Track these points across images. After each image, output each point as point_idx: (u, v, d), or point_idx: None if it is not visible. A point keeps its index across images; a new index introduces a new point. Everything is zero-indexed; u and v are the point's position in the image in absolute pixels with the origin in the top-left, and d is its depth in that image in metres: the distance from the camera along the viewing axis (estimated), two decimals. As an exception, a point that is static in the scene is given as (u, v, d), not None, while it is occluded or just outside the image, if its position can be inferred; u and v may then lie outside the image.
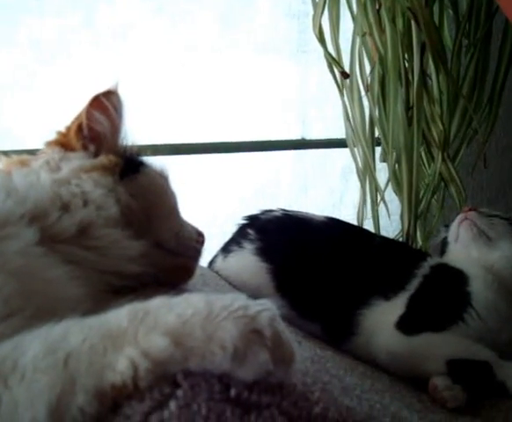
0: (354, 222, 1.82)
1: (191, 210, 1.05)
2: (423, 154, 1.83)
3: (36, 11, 1.78)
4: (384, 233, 1.85)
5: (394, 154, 1.73)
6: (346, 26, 1.86)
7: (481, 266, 1.28)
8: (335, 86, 1.87)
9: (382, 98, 1.78)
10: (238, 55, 2.10)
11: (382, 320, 1.22)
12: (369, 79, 1.81)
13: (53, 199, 0.81)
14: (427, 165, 1.85)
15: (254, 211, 1.45)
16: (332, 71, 1.85)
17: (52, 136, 0.96)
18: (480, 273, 1.26)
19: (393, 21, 1.66)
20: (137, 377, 0.50)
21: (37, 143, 0.96)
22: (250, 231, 1.38)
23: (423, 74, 1.64)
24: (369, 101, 1.81)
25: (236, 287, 1.29)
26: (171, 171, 1.03)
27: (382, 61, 1.70)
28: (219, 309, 0.53)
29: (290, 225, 1.39)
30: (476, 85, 1.80)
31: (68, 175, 0.86)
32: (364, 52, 1.83)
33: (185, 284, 1.01)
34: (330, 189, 2.36)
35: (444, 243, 1.41)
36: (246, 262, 1.34)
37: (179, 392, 0.51)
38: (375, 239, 1.47)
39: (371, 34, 1.70)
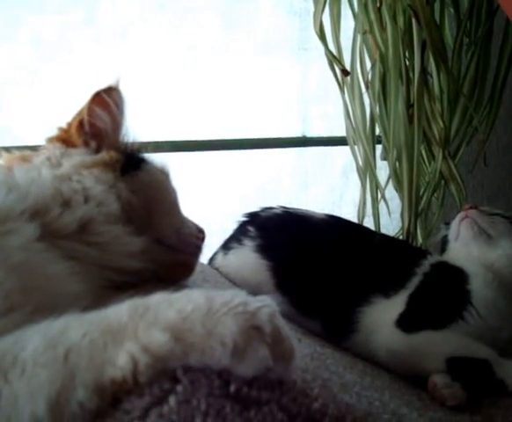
0: (355, 220, 1.83)
1: (192, 207, 1.06)
2: (424, 152, 1.83)
3: (37, 9, 1.79)
4: (384, 231, 1.85)
5: (395, 152, 1.73)
6: (347, 24, 1.86)
7: (481, 264, 1.28)
8: (336, 84, 1.88)
9: (382, 96, 1.78)
10: (240, 53, 2.11)
11: (382, 318, 1.22)
12: (369, 77, 1.81)
13: (54, 195, 0.81)
14: (427, 163, 1.85)
15: (255, 208, 1.45)
16: (332, 69, 1.85)
17: (53, 132, 0.96)
18: (480, 271, 1.26)
19: (394, 19, 1.66)
20: (137, 372, 0.50)
21: (38, 140, 0.97)
22: (250, 228, 1.38)
23: (424, 72, 1.64)
24: (369, 99, 1.81)
25: (236, 284, 1.29)
26: (173, 168, 1.03)
27: (383, 58, 1.70)
28: (219, 304, 0.53)
29: (290, 222, 1.39)
30: (477, 84, 1.80)
31: (69, 171, 0.86)
32: (365, 50, 1.83)
33: (185, 280, 1.02)
34: (330, 187, 2.36)
35: (445, 241, 1.41)
36: (246, 259, 1.34)
37: (179, 387, 0.51)
38: (375, 237, 1.47)
39: (372, 32, 1.70)
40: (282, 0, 2.20)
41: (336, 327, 1.27)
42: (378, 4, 1.68)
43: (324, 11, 1.76)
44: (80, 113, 0.95)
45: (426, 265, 1.31)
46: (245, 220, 1.42)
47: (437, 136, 1.69)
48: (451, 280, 1.28)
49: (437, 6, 1.78)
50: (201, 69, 2.02)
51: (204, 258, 1.29)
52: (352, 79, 1.82)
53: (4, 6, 1.75)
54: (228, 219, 1.51)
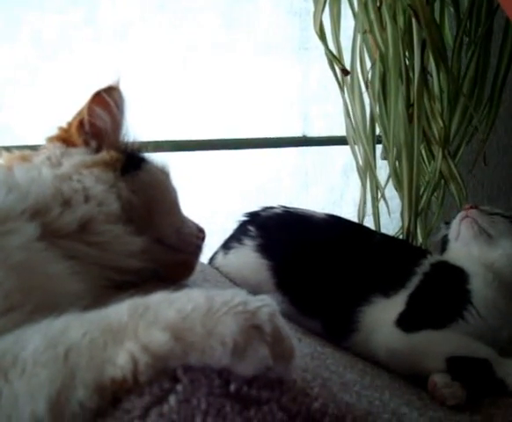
0: (355, 220, 1.83)
1: (192, 206, 1.06)
2: (423, 151, 1.84)
3: (38, 8, 1.79)
4: (384, 230, 1.85)
5: (395, 151, 1.73)
6: (347, 24, 1.86)
7: (481, 264, 1.28)
8: (336, 84, 1.88)
9: (382, 96, 1.78)
10: (240, 53, 2.11)
11: (382, 317, 1.22)
12: (369, 76, 1.81)
13: (54, 194, 0.81)
14: (427, 163, 1.85)
15: (255, 208, 1.45)
16: (332, 68, 1.85)
17: (53, 132, 0.96)
18: (480, 271, 1.26)
19: (394, 19, 1.66)
20: (137, 372, 0.50)
21: (38, 139, 0.97)
22: (250, 228, 1.38)
23: (424, 71, 1.64)
24: (369, 98, 1.81)
25: (236, 283, 1.29)
26: (173, 168, 1.03)
27: (382, 58, 1.70)
28: (219, 304, 0.53)
29: (291, 222, 1.39)
30: (476, 83, 1.80)
31: (69, 170, 0.86)
32: (365, 49, 1.84)
33: (185, 280, 1.02)
34: (331, 186, 2.36)
35: (445, 240, 1.41)
36: (247, 259, 1.34)
37: (179, 387, 0.51)
38: (375, 236, 1.47)
39: (372, 32, 1.70)
40: (283, 0, 2.20)
41: (336, 327, 1.27)
42: (378, 4, 1.68)
43: (324, 11, 1.76)
44: (80, 113, 0.95)
45: (426, 264, 1.31)
46: (246, 219, 1.43)
47: (437, 135, 1.69)
48: (451, 279, 1.28)
49: (437, 6, 1.78)
50: (202, 68, 2.02)
51: (204, 257, 1.29)
52: (352, 79, 1.82)
53: (5, 6, 1.75)
54: (228, 218, 1.51)
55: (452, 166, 1.73)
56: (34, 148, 0.93)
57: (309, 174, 2.35)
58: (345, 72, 1.79)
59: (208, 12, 2.04)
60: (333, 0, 1.79)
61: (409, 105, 1.65)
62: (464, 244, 1.32)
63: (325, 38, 1.77)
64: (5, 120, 1.76)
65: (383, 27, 1.67)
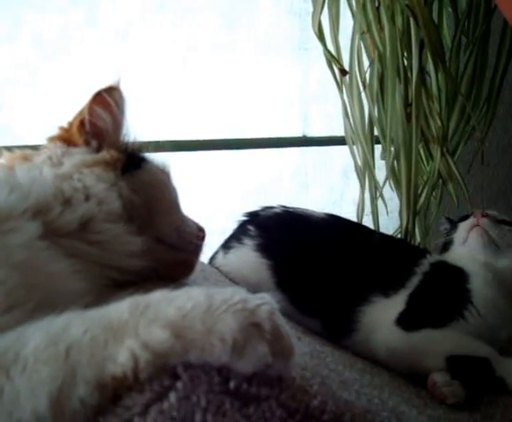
0: (355, 220, 1.83)
1: (192, 206, 1.06)
2: (422, 151, 1.84)
3: (38, 8, 1.79)
4: (383, 230, 1.85)
5: (393, 150, 1.73)
6: (346, 23, 1.87)
7: (481, 264, 1.28)
8: (335, 84, 1.88)
9: (381, 95, 1.78)
10: (240, 53, 2.11)
11: (381, 317, 1.23)
12: (367, 76, 1.81)
13: (55, 193, 0.81)
14: (425, 162, 1.85)
15: (255, 208, 1.45)
16: (331, 68, 1.85)
17: (54, 132, 0.96)
18: (480, 271, 1.26)
19: (392, 19, 1.66)
20: (138, 369, 0.51)
21: (39, 139, 0.97)
22: (250, 227, 1.38)
23: (422, 71, 1.64)
24: (367, 98, 1.81)
25: (236, 283, 1.29)
26: (174, 168, 1.03)
27: (381, 58, 1.70)
28: (219, 302, 0.54)
29: (290, 222, 1.39)
30: (474, 83, 1.80)
31: (70, 170, 0.86)
32: (364, 50, 1.84)
33: (185, 279, 1.02)
34: (331, 186, 2.37)
35: (448, 241, 1.40)
36: (247, 258, 1.35)
37: (179, 384, 0.52)
38: (374, 236, 1.47)
39: (370, 32, 1.71)
40: (283, 0, 2.20)
41: (336, 326, 1.27)
42: (376, 4, 1.68)
43: (323, 12, 1.76)
44: (81, 113, 0.95)
45: (425, 264, 1.31)
46: (246, 219, 1.43)
47: (435, 135, 1.70)
48: (451, 279, 1.28)
49: (435, 6, 1.79)
50: (202, 68, 2.03)
51: (204, 257, 1.30)
52: (350, 79, 1.82)
53: (5, 5, 1.76)
54: (228, 218, 1.51)
55: (451, 164, 1.73)
56: (35, 148, 0.94)
57: (309, 174, 2.35)
58: (343, 72, 1.80)
59: (208, 12, 2.04)
60: (332, 0, 1.79)
61: (407, 105, 1.65)
62: (470, 250, 1.31)
63: (323, 38, 1.78)
64: (6, 120, 1.76)
65: (381, 27, 1.67)
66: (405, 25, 1.66)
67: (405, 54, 1.67)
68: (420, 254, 1.36)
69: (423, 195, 1.78)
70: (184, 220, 1.02)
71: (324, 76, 1.98)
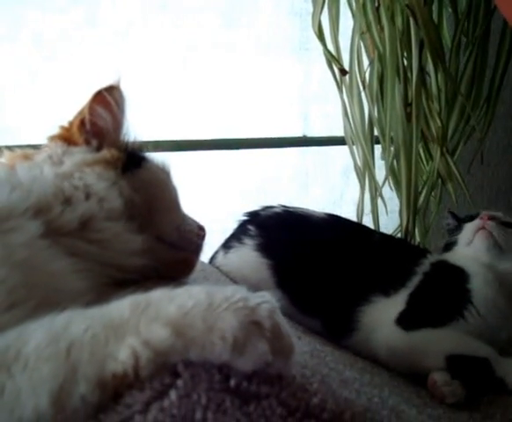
0: (355, 220, 1.83)
1: (192, 206, 1.06)
2: (421, 151, 1.84)
3: (38, 8, 1.79)
4: (383, 230, 1.85)
5: (392, 150, 1.73)
6: (347, 23, 1.87)
7: (482, 264, 1.28)
8: (335, 84, 1.88)
9: (380, 95, 1.78)
10: (241, 53, 2.11)
11: (382, 316, 1.23)
12: (367, 76, 1.81)
13: (55, 193, 0.81)
14: (425, 162, 1.86)
15: (255, 207, 1.45)
16: (331, 68, 1.85)
17: (55, 131, 0.96)
18: (481, 271, 1.26)
19: (392, 19, 1.66)
20: (138, 367, 0.51)
21: (40, 139, 0.97)
22: (250, 227, 1.38)
23: (422, 71, 1.64)
24: (367, 98, 1.81)
25: (236, 282, 1.29)
26: (174, 167, 1.03)
27: (381, 58, 1.70)
28: (219, 300, 0.54)
29: (290, 221, 1.40)
30: (474, 83, 1.80)
31: (70, 169, 0.87)
32: (363, 50, 1.84)
33: (186, 278, 1.02)
34: (331, 186, 2.37)
35: (452, 241, 1.39)
36: (247, 258, 1.35)
37: (180, 382, 0.52)
38: (374, 236, 1.47)
39: (370, 32, 1.71)
40: (283, 1, 2.20)
41: (336, 326, 1.27)
42: (376, 4, 1.68)
43: (323, 12, 1.76)
44: (81, 112, 0.95)
45: (426, 264, 1.31)
46: (246, 219, 1.43)
47: (435, 134, 1.70)
48: (452, 278, 1.28)
49: (435, 6, 1.79)
50: (202, 68, 2.03)
51: (205, 256, 1.30)
52: (350, 79, 1.82)
53: (6, 5, 1.76)
54: (228, 218, 1.51)
55: (451, 164, 1.73)
56: (36, 147, 0.94)
57: (309, 174, 2.35)
58: (343, 72, 1.80)
59: (208, 12, 2.04)
60: (332, 0, 1.80)
61: (407, 105, 1.65)
62: (474, 252, 1.31)
63: (323, 38, 1.78)
64: (6, 120, 1.76)
65: (381, 28, 1.67)
66: (405, 25, 1.66)
67: (405, 54, 1.67)
68: (421, 254, 1.36)
69: (423, 195, 1.78)
70: (184, 219, 1.02)
71: (324, 77, 1.98)
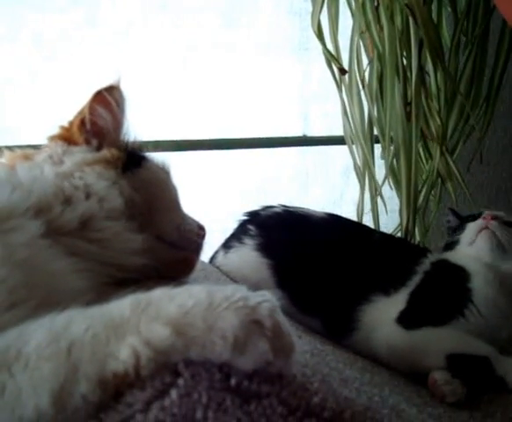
0: (355, 219, 1.83)
1: (193, 206, 1.06)
2: (421, 150, 1.84)
3: (38, 8, 1.79)
4: (383, 229, 1.86)
5: (392, 149, 1.73)
6: (346, 23, 1.87)
7: (483, 263, 1.28)
8: (334, 83, 1.88)
9: (380, 95, 1.78)
10: (240, 52, 2.11)
11: (382, 315, 1.23)
12: (367, 75, 1.81)
13: (55, 193, 0.82)
14: (424, 161, 1.86)
15: (255, 207, 1.45)
16: (330, 68, 1.85)
17: (55, 131, 0.96)
18: (481, 270, 1.26)
19: (391, 18, 1.66)
20: (139, 366, 0.51)
21: (40, 139, 0.97)
22: (250, 227, 1.38)
23: (421, 70, 1.64)
24: (366, 97, 1.81)
25: (236, 282, 1.29)
26: (174, 167, 1.04)
27: (380, 57, 1.70)
28: (220, 299, 0.54)
29: (290, 221, 1.40)
30: (473, 82, 1.80)
31: (71, 168, 0.87)
32: (363, 49, 1.84)
33: (186, 278, 1.02)
34: (331, 186, 2.37)
35: (454, 241, 1.38)
36: (247, 258, 1.35)
37: (180, 381, 0.52)
38: (374, 235, 1.47)
39: (370, 32, 1.71)
40: (283, 0, 2.20)
41: (336, 325, 1.27)
42: (376, 4, 1.68)
43: (322, 11, 1.76)
44: (82, 112, 0.95)
45: (426, 263, 1.31)
46: (246, 219, 1.43)
47: (435, 133, 1.70)
48: (453, 278, 1.28)
49: (434, 6, 1.79)
50: (202, 68, 2.03)
51: (205, 256, 1.30)
52: (350, 78, 1.82)
53: (6, 5, 1.76)
54: (228, 218, 1.51)
55: (451, 163, 1.73)
56: (36, 147, 0.94)
57: (309, 174, 2.35)
58: (342, 71, 1.80)
59: (208, 12, 2.04)
60: (331, 0, 1.80)
61: (406, 104, 1.65)
62: (476, 252, 1.31)
63: (322, 37, 1.78)
64: (7, 120, 1.76)
65: (380, 27, 1.67)
66: (405, 24, 1.66)
67: (405, 53, 1.67)
68: (421, 253, 1.36)
69: (422, 194, 1.78)
70: (184, 218, 1.02)
71: (324, 76, 1.98)
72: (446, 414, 1.00)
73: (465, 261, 1.30)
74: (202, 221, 1.07)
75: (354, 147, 1.90)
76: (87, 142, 0.94)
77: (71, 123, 0.95)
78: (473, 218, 1.38)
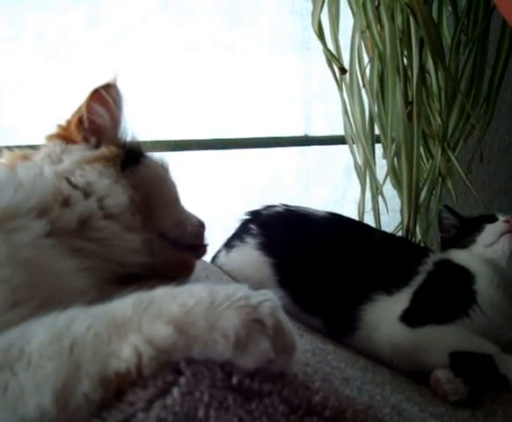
0: (357, 218, 1.83)
1: (194, 206, 1.06)
2: (422, 149, 1.84)
3: (40, 8, 1.79)
4: (384, 228, 1.85)
5: (393, 149, 1.73)
6: (347, 22, 1.87)
7: (487, 264, 1.28)
8: (335, 82, 1.88)
9: (381, 94, 1.78)
10: (242, 52, 2.11)
11: (385, 314, 1.23)
12: (367, 75, 1.81)
13: (54, 193, 0.82)
14: (425, 160, 1.86)
15: (257, 207, 1.46)
16: (331, 67, 1.85)
17: (53, 130, 0.96)
18: (486, 272, 1.27)
19: (392, 18, 1.66)
20: (141, 364, 0.51)
21: (40, 140, 0.97)
22: (252, 226, 1.39)
23: (422, 70, 1.64)
24: (367, 96, 1.81)
25: (238, 281, 1.29)
26: (175, 167, 1.03)
27: (381, 57, 1.70)
28: (222, 298, 0.54)
29: (292, 220, 1.40)
30: (474, 81, 1.80)
31: (70, 166, 0.87)
32: (364, 48, 1.84)
33: (187, 277, 1.02)
34: (333, 185, 2.37)
35: (469, 240, 1.36)
36: (249, 257, 1.35)
37: (182, 380, 0.52)
38: (376, 234, 1.47)
39: (370, 31, 1.71)
40: (284, 0, 2.20)
41: (338, 324, 1.28)
42: (376, 3, 1.68)
43: (323, 10, 1.76)
44: (79, 110, 0.95)
45: (429, 263, 1.31)
46: (248, 218, 1.43)
47: (436, 132, 1.70)
48: (457, 279, 1.28)
49: (435, 5, 1.79)
50: (204, 68, 2.03)
51: (207, 256, 1.30)
52: (351, 78, 1.82)
53: (7, 5, 1.76)
54: (230, 217, 1.51)
55: (453, 159, 1.73)
56: (36, 148, 0.94)
57: (311, 173, 2.35)
58: (342, 71, 1.80)
59: (209, 12, 2.04)
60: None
61: (407, 103, 1.65)
62: (494, 254, 1.30)
63: (323, 37, 1.77)
64: (7, 121, 1.76)
65: (381, 26, 1.67)
66: (405, 23, 1.66)
67: (405, 52, 1.67)
68: (423, 252, 1.36)
69: (423, 193, 1.78)
70: (184, 213, 1.02)
71: (325, 76, 1.97)
72: (448, 413, 1.01)
73: (469, 262, 1.30)
74: (204, 221, 1.06)
75: (354, 146, 1.90)
76: (85, 140, 0.93)
77: (69, 122, 0.95)
78: (487, 219, 1.37)
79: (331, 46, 1.81)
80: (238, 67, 2.10)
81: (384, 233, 1.55)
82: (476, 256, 1.31)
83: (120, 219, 0.86)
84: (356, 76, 1.82)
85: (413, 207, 1.66)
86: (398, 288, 1.26)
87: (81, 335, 0.52)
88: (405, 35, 1.66)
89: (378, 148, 1.88)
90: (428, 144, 1.80)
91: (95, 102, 0.95)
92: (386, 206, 1.85)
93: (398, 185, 1.82)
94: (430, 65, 1.68)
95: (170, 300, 0.55)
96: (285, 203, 1.46)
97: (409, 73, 1.65)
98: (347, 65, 1.82)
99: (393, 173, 1.82)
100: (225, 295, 0.55)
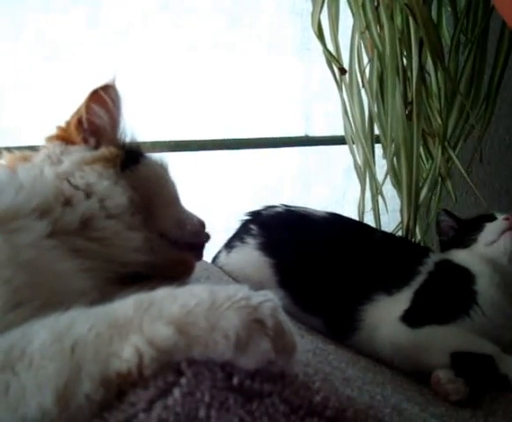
0: (357, 218, 1.83)
1: (195, 206, 1.06)
2: (421, 149, 1.84)
3: (40, 8, 1.79)
4: (384, 228, 1.85)
5: (393, 149, 1.73)
6: (347, 23, 1.87)
7: (488, 264, 1.28)
8: (335, 83, 1.88)
9: (380, 94, 1.78)
10: (242, 53, 2.11)
11: (385, 315, 1.23)
12: (367, 75, 1.81)
13: (55, 194, 0.82)
14: (425, 160, 1.86)
15: (257, 207, 1.46)
16: (331, 68, 1.85)
17: (52, 132, 0.96)
18: (487, 271, 1.27)
19: (392, 18, 1.66)
20: (142, 365, 0.51)
21: (40, 140, 0.97)
22: (252, 227, 1.39)
23: (422, 70, 1.65)
24: (367, 97, 1.81)
25: (239, 281, 1.29)
26: (176, 167, 1.03)
27: (380, 57, 1.70)
28: (222, 299, 0.54)
29: (292, 220, 1.40)
30: (473, 82, 1.80)
31: (70, 167, 0.87)
32: (363, 49, 1.84)
33: (187, 277, 1.02)
34: (333, 185, 2.37)
35: (470, 239, 1.36)
36: (249, 257, 1.35)
37: (183, 380, 0.52)
38: (376, 234, 1.47)
39: (370, 32, 1.71)
40: (285, 0, 2.20)
41: (338, 324, 1.28)
42: (376, 4, 1.69)
43: (322, 11, 1.76)
44: (78, 111, 0.95)
45: (429, 263, 1.31)
46: (248, 218, 1.43)
47: (435, 133, 1.70)
48: (457, 279, 1.28)
49: (434, 5, 1.79)
50: (204, 68, 2.03)
51: (207, 256, 1.30)
52: (350, 78, 1.82)
53: (8, 5, 1.76)
54: (231, 218, 1.51)
55: (454, 158, 1.73)
56: (36, 149, 0.94)
57: (311, 174, 2.35)
58: (342, 71, 1.80)
59: (210, 12, 2.04)
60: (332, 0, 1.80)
61: (407, 104, 1.65)
62: (495, 252, 1.30)
63: (323, 37, 1.77)
64: (8, 121, 1.76)
65: (380, 27, 1.67)
66: (405, 24, 1.66)
67: (405, 52, 1.67)
68: (424, 252, 1.36)
69: (423, 193, 1.78)
70: (184, 212, 1.02)
71: (326, 76, 1.97)
72: (448, 413, 1.01)
73: (469, 262, 1.30)
74: (205, 221, 1.06)
75: (354, 146, 1.90)
76: (85, 141, 0.93)
77: (68, 123, 0.95)
78: (486, 219, 1.37)
79: (330, 46, 1.81)
80: (238, 67, 2.10)
81: (385, 233, 1.55)
82: (476, 255, 1.31)
83: (121, 219, 0.86)
84: (356, 76, 1.82)
85: (413, 206, 1.66)
86: (398, 288, 1.26)
87: (82, 336, 0.52)
88: (404, 35, 1.66)
89: (378, 148, 1.88)
90: (428, 144, 1.80)
91: (94, 103, 0.95)
92: (386, 206, 1.85)
93: (397, 184, 1.82)
94: (430, 65, 1.68)
95: (171, 300, 0.55)
96: (285, 203, 1.46)
97: (409, 73, 1.65)
98: (346, 65, 1.82)
99: (393, 173, 1.82)
100: (226, 296, 0.55)
